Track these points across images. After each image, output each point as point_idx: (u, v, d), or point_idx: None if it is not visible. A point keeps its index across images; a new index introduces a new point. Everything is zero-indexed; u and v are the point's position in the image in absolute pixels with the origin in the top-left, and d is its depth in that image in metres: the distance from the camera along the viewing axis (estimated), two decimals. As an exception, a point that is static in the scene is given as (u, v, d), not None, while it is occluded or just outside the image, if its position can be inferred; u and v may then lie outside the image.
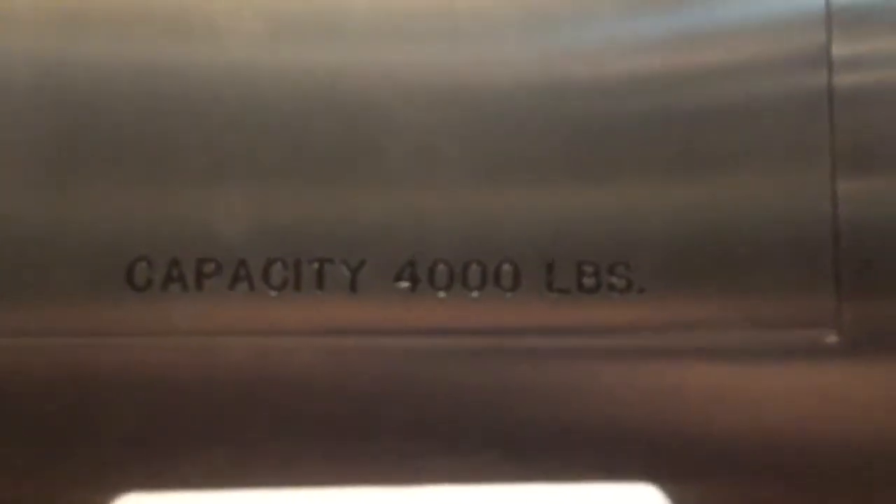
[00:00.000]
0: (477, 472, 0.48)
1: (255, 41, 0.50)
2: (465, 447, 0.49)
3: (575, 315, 0.49)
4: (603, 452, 0.49)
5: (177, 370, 0.48)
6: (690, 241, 0.50)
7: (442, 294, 0.49)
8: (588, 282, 0.49)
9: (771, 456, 0.50)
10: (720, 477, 0.50)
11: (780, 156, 0.51)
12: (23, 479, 0.47)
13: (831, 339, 0.50)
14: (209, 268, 0.48)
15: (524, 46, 0.51)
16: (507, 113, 0.50)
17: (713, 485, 0.49)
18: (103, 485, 0.47)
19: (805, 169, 0.51)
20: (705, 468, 0.49)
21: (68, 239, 0.48)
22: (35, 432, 0.47)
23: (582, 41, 0.51)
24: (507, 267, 0.49)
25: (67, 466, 0.47)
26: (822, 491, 0.50)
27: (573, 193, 0.50)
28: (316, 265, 0.48)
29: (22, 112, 0.48)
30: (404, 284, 0.49)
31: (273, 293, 0.48)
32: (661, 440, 0.49)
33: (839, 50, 0.52)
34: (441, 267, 0.49)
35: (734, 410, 0.50)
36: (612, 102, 0.51)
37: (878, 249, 0.51)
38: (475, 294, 0.49)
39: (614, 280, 0.49)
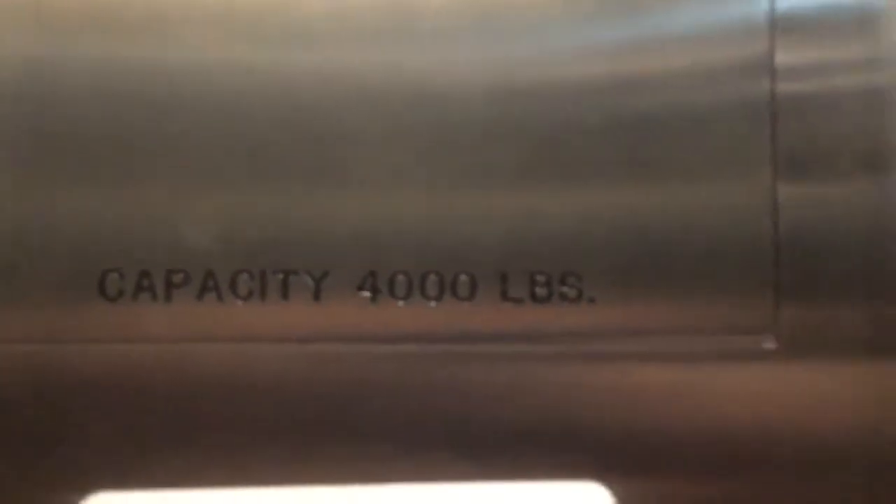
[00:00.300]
0: (434, 470, 0.50)
1: (228, 54, 0.51)
2: (424, 448, 0.50)
3: (528, 323, 0.51)
4: (555, 452, 0.51)
5: (147, 376, 0.49)
6: (637, 250, 0.52)
7: (401, 303, 0.50)
8: (540, 292, 0.51)
9: (713, 455, 0.52)
10: (664, 475, 0.51)
11: (722, 163, 0.52)
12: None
13: (769, 344, 0.52)
14: (178, 278, 0.49)
15: (475, 55, 0.52)
16: (462, 123, 0.51)
17: (657, 483, 0.51)
18: (73, 485, 0.48)
19: (747, 176, 0.53)
20: (650, 467, 0.51)
21: (42, 251, 0.49)
22: (6, 434, 0.48)
23: (528, 50, 0.52)
24: (463, 277, 0.51)
25: (38, 467, 0.49)
26: (763, 489, 0.52)
27: (526, 205, 0.51)
28: (281, 276, 0.50)
29: None
30: (366, 294, 0.50)
31: (240, 303, 0.50)
32: (609, 441, 0.51)
33: (782, 58, 0.53)
34: (400, 277, 0.50)
35: (678, 413, 0.52)
36: (560, 111, 0.52)
37: (817, 256, 0.52)
38: (433, 303, 0.51)
39: (565, 290, 0.51)
